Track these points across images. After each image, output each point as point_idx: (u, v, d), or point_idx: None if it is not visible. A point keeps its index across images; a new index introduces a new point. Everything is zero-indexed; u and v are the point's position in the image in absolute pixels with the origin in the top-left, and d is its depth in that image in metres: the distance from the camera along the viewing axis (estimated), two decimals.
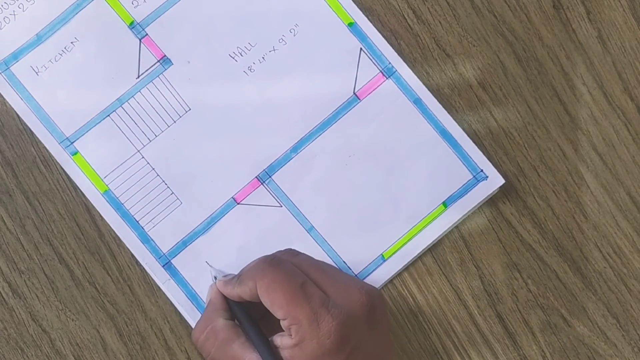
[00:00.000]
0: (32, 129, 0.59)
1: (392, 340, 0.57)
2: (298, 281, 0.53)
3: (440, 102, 0.61)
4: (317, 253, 0.60)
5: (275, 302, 0.52)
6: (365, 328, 0.54)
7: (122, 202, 0.59)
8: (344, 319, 0.52)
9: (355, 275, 0.60)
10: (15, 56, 0.60)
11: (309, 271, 0.55)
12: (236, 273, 0.58)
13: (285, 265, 0.54)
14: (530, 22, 0.62)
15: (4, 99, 0.60)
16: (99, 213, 0.60)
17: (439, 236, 0.61)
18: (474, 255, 0.61)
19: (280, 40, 0.61)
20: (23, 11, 0.59)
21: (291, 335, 0.52)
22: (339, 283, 0.54)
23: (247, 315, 0.55)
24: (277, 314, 0.53)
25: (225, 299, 0.56)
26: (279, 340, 0.53)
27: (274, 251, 0.59)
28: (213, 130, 0.60)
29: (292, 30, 0.61)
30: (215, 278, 0.58)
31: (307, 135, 0.60)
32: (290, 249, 0.58)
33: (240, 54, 0.61)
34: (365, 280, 0.60)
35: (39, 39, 0.60)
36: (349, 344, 0.52)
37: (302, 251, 0.59)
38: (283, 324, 0.53)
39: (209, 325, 0.55)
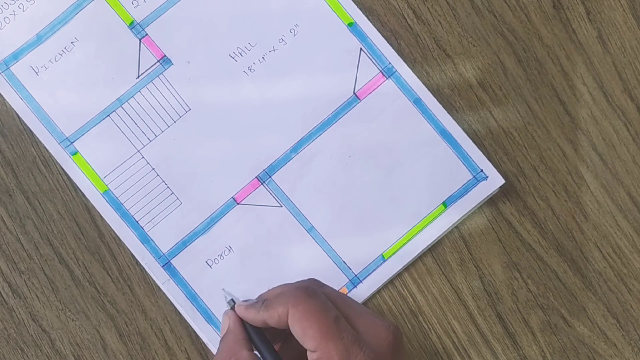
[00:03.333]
0: (32, 129, 0.59)
1: None
2: (332, 315, 0.52)
3: (440, 102, 0.61)
4: (317, 253, 0.60)
5: (307, 334, 0.51)
6: None
7: (122, 202, 0.59)
8: (374, 358, 0.52)
9: (355, 276, 0.60)
10: (15, 56, 0.60)
11: (337, 304, 0.54)
12: (251, 300, 0.57)
13: (320, 297, 0.53)
14: (530, 22, 0.62)
15: (4, 99, 0.60)
16: (99, 213, 0.60)
17: (439, 236, 0.61)
18: (474, 255, 0.61)
19: (280, 40, 0.61)
20: (23, 11, 0.60)
21: None
22: (366, 320, 0.54)
23: (269, 345, 0.54)
24: (308, 345, 0.52)
25: (244, 327, 0.55)
26: None
27: (274, 251, 0.59)
28: (213, 130, 0.60)
29: (292, 30, 0.61)
30: (233, 302, 0.57)
31: (307, 135, 0.60)
32: (315, 280, 0.57)
33: (240, 54, 0.61)
34: (365, 281, 0.60)
35: (39, 39, 0.60)
36: None
37: (302, 251, 0.59)
38: (312, 356, 0.52)
39: (233, 357, 0.54)
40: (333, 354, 0.51)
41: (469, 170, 0.61)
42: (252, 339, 0.55)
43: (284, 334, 0.55)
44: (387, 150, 0.61)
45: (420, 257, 0.61)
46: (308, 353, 0.52)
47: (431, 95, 0.61)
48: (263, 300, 0.55)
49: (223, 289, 0.59)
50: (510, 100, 0.62)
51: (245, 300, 0.57)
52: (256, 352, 0.54)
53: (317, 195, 0.60)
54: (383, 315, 0.60)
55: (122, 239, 0.60)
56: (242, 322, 0.56)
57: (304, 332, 0.52)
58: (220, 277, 0.60)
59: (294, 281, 0.58)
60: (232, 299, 0.57)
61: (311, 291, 0.53)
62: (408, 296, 0.61)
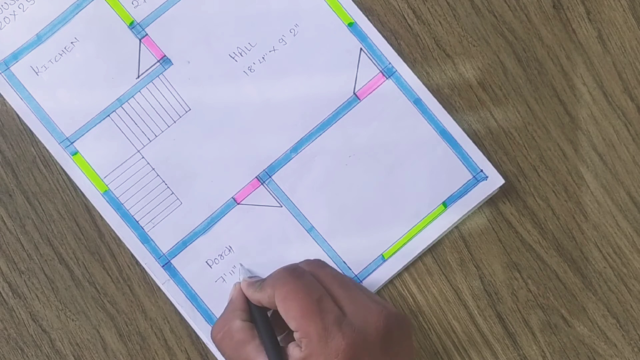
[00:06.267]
0: (32, 129, 0.59)
1: None
2: (315, 295, 0.53)
3: (440, 102, 0.61)
4: (317, 253, 0.60)
5: (289, 313, 0.52)
6: (379, 352, 0.53)
7: (122, 202, 0.59)
8: (355, 340, 0.52)
9: (356, 276, 0.60)
10: (15, 56, 0.60)
11: (331, 285, 0.54)
12: (258, 277, 0.58)
13: (306, 277, 0.54)
14: (530, 22, 0.62)
15: (4, 99, 0.60)
16: (99, 213, 0.60)
17: (439, 236, 0.61)
18: (474, 255, 0.61)
19: (280, 40, 0.61)
20: (23, 11, 0.59)
21: (301, 348, 0.52)
22: (358, 302, 0.54)
23: (265, 319, 0.55)
24: (290, 325, 0.53)
25: (245, 300, 0.57)
26: (291, 349, 0.53)
27: (275, 251, 0.59)
28: (213, 130, 0.60)
29: (292, 30, 0.61)
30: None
31: (307, 135, 0.60)
32: (318, 260, 0.59)
33: (240, 54, 0.61)
34: (365, 281, 0.60)
35: (39, 39, 0.60)
36: None
37: (301, 251, 0.59)
38: (295, 335, 0.53)
39: (227, 325, 0.55)
40: (312, 334, 0.52)
41: (469, 170, 0.61)
42: (251, 312, 0.56)
43: None
44: (387, 150, 0.61)
45: (420, 257, 0.61)
46: (294, 334, 0.53)
47: (431, 95, 0.61)
48: (261, 281, 0.56)
49: (240, 264, 0.59)
50: (510, 100, 0.62)
51: (252, 277, 0.58)
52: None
53: (317, 195, 0.60)
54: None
55: (122, 239, 0.60)
56: (245, 296, 0.57)
57: (287, 312, 0.53)
58: (220, 277, 0.60)
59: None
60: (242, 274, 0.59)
61: (298, 272, 0.55)
62: (408, 296, 0.61)
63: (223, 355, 0.55)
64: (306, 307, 0.52)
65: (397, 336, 0.54)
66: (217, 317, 0.59)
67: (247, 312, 0.56)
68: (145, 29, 0.60)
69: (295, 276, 0.54)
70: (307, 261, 0.58)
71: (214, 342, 0.56)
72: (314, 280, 0.54)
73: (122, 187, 0.60)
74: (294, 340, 0.54)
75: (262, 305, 0.55)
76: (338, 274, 0.57)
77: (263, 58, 0.61)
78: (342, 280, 0.56)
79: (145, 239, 0.60)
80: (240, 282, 0.58)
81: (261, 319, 0.55)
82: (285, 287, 0.53)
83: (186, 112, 0.60)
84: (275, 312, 0.55)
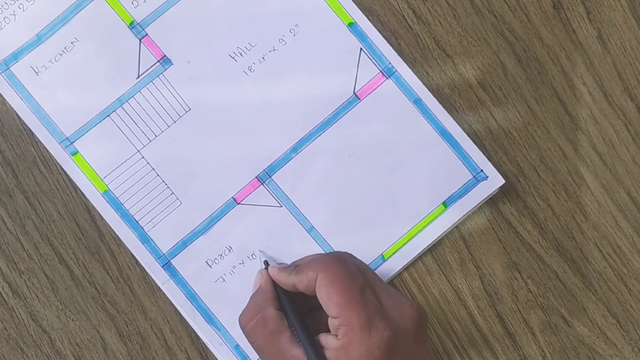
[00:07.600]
0: (32, 129, 0.59)
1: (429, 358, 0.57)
2: (358, 284, 0.53)
3: (440, 102, 0.61)
4: (317, 253, 0.60)
5: (332, 299, 0.52)
6: (412, 344, 0.53)
7: (122, 202, 0.59)
8: (395, 332, 0.52)
9: None
10: (15, 56, 0.60)
11: (366, 276, 0.54)
12: (285, 264, 0.58)
13: (349, 265, 0.54)
14: (530, 22, 0.62)
15: (4, 99, 0.60)
16: (99, 213, 0.60)
17: (439, 236, 0.61)
18: (474, 255, 0.61)
19: (280, 40, 0.61)
20: (23, 11, 0.60)
21: (337, 336, 0.52)
22: (392, 295, 0.54)
23: (295, 308, 0.55)
24: (331, 311, 0.52)
25: (274, 287, 0.56)
26: (324, 339, 0.53)
27: (275, 251, 0.59)
28: (213, 130, 0.60)
29: (292, 30, 0.61)
30: (266, 263, 0.58)
31: (307, 135, 0.60)
32: (347, 253, 0.58)
33: (240, 54, 0.61)
34: None
35: (39, 39, 0.60)
36: (396, 358, 0.52)
37: (302, 251, 0.59)
38: (332, 322, 0.53)
39: (259, 313, 0.55)
40: (354, 322, 0.51)
41: (469, 170, 0.61)
42: (280, 301, 0.56)
43: (309, 304, 0.56)
44: (387, 150, 0.61)
45: (420, 257, 0.61)
46: (330, 320, 0.53)
47: (431, 95, 0.61)
48: (295, 265, 0.55)
49: (260, 250, 0.59)
50: (510, 100, 0.62)
51: (279, 264, 0.58)
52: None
53: (317, 195, 0.60)
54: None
55: (122, 239, 0.60)
56: (274, 283, 0.56)
57: (329, 297, 0.52)
58: (220, 277, 0.60)
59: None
60: (266, 260, 0.58)
61: (342, 259, 0.54)
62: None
63: (252, 344, 0.55)
64: (350, 294, 0.52)
65: (425, 329, 0.55)
66: (217, 317, 0.59)
67: (277, 300, 0.56)
68: (145, 29, 0.60)
69: (339, 262, 0.54)
70: (337, 252, 0.58)
71: (243, 330, 0.55)
72: (356, 269, 0.54)
73: (122, 187, 0.60)
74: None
75: (295, 290, 0.55)
76: (369, 267, 0.58)
77: (263, 58, 0.61)
78: (374, 274, 0.57)
79: (145, 239, 0.60)
80: (265, 269, 0.57)
81: (292, 308, 0.55)
82: (329, 271, 0.53)
83: (186, 112, 0.60)
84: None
